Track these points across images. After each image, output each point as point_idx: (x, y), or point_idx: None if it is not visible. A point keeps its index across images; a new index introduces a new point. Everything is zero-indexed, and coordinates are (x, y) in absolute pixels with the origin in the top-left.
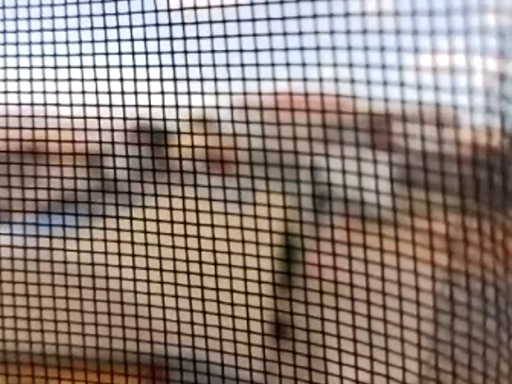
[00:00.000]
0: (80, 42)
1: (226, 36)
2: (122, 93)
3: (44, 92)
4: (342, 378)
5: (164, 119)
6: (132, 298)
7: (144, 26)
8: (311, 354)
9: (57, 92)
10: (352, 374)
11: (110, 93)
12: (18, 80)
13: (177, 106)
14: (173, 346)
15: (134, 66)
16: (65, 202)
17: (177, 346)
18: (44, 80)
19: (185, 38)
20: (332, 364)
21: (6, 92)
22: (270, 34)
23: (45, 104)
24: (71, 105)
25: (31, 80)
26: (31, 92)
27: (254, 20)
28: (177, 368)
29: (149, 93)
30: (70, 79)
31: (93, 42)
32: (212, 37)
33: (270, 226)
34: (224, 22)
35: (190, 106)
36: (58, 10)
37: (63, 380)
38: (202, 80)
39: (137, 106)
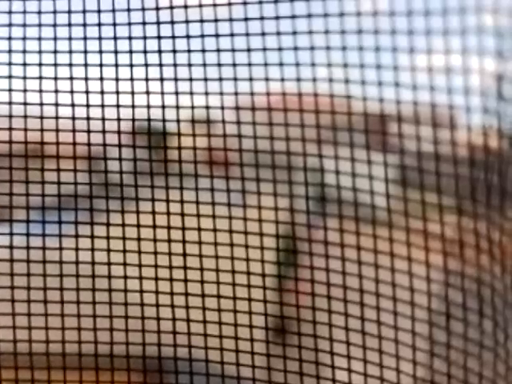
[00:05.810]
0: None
1: (217, 35)
2: (101, 93)
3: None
4: (334, 381)
5: (149, 119)
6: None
7: (129, 24)
8: (303, 359)
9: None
10: (345, 376)
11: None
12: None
13: (163, 107)
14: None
15: (117, 65)
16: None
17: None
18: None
19: (174, 37)
20: (325, 368)
21: None
22: (263, 34)
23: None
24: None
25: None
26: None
27: (246, 19)
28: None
29: (132, 93)
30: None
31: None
32: (203, 36)
33: (260, 228)
34: (216, 21)
35: (177, 107)
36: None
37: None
38: (191, 80)
39: (118, 106)
